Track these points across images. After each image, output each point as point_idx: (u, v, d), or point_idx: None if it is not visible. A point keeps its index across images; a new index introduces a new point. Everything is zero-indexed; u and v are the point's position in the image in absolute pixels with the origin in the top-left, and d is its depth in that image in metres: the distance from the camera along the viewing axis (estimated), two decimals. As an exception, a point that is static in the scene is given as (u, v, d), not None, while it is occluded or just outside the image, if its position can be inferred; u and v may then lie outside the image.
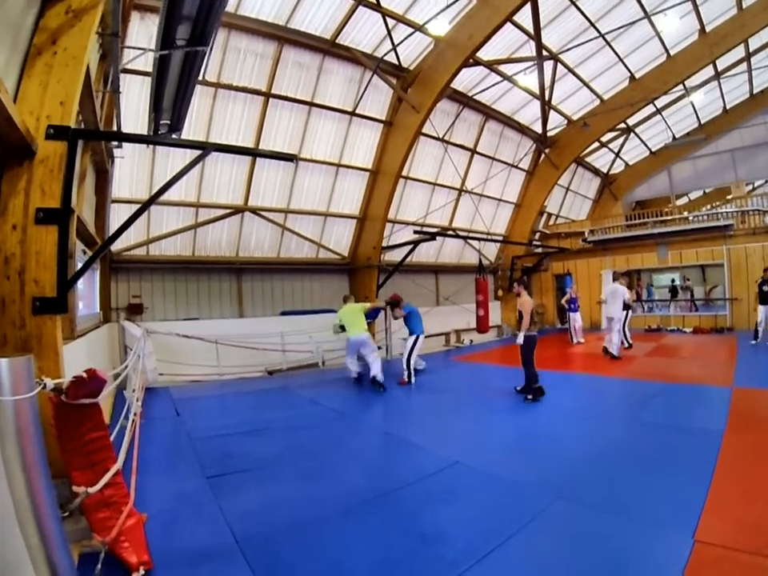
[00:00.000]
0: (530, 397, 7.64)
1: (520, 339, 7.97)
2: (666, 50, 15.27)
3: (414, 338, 10.09)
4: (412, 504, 4.18)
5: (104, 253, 7.17)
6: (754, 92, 19.14)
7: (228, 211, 12.07)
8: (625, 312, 11.90)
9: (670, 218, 18.72)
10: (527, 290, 8.76)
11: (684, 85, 16.14)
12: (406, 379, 9.77)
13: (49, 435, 3.05)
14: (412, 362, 9.91)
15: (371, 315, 12.96)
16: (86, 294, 7.95)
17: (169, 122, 7.68)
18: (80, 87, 4.08)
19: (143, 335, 9.17)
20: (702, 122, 20.76)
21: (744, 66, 16.80)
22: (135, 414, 6.53)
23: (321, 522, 3.86)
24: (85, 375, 3.00)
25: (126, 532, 3.29)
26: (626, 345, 12.47)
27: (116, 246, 10.63)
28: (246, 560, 3.30)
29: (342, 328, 9.53)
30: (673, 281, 23.64)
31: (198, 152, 5.11)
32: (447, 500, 4.20)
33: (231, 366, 10.98)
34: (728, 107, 20.05)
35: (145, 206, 5.31)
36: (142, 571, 3.08)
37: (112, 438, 3.92)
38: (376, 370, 9.18)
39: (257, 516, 4.00)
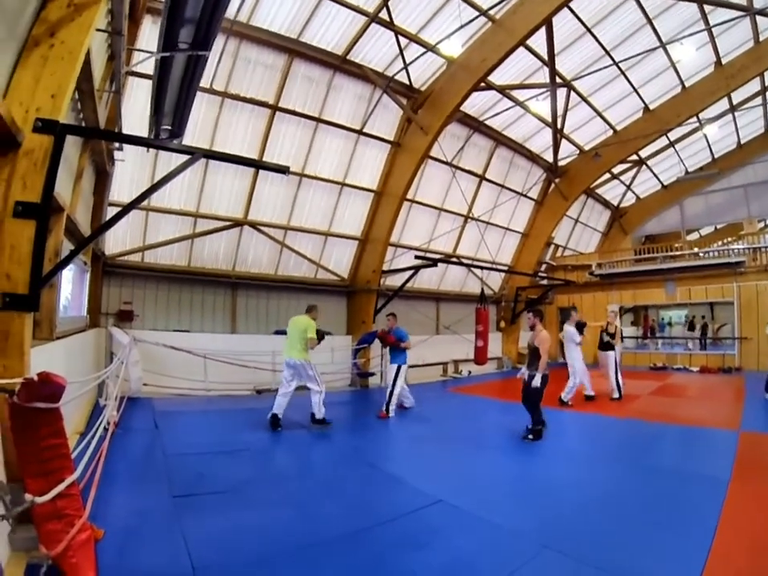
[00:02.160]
0: (530, 437, 7.11)
1: (537, 381, 7.03)
2: (681, 82, 15.13)
3: (395, 367, 9.36)
4: (386, 545, 3.85)
5: (85, 250, 6.95)
6: (770, 127, 18.94)
7: (227, 223, 11.87)
8: (612, 353, 10.60)
9: (679, 253, 18.44)
10: (543, 322, 7.66)
11: (698, 117, 15.99)
12: (386, 413, 9.12)
13: (6, 437, 3.18)
14: (395, 395, 9.24)
15: (367, 339, 12.57)
16: (73, 296, 7.75)
17: (170, 127, 7.51)
18: (73, 82, 4.01)
19: (130, 343, 8.94)
20: (716, 156, 20.54)
21: (759, 99, 16.65)
22: (109, 423, 6.28)
23: (285, 556, 3.60)
24: (36, 378, 2.87)
25: (76, 547, 3.08)
26: (588, 394, 10.67)
27: (111, 250, 10.50)
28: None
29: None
30: (693, 316, 23.22)
31: (202, 160, 4.96)
32: (425, 543, 3.86)
33: (219, 383, 10.66)
34: (742, 142, 19.84)
35: (128, 207, 5.07)
36: (87, 590, 2.90)
37: (81, 447, 3.83)
38: (314, 406, 7.98)
39: (219, 543, 3.76)
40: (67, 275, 7.00)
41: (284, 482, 5.39)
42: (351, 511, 4.56)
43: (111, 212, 9.38)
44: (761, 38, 13.33)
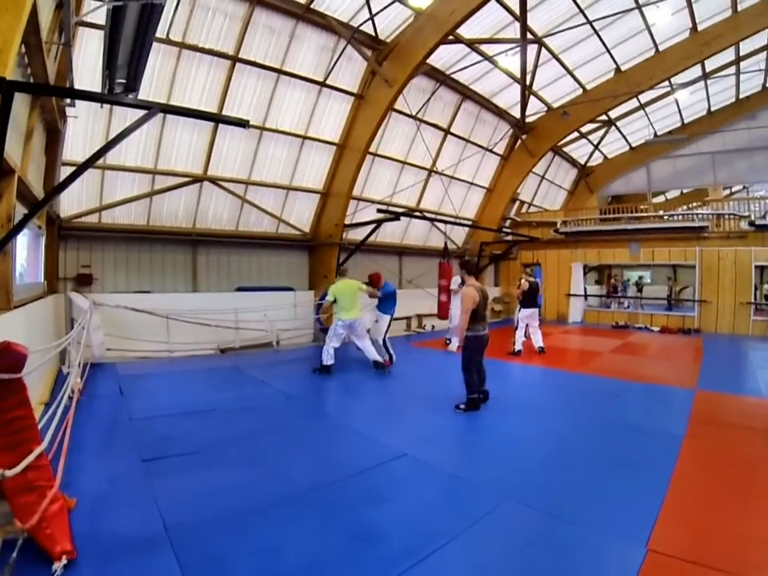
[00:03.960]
0: (462, 406, 6.62)
1: (454, 345, 6.34)
2: (655, 45, 14.92)
3: (388, 318, 10.03)
4: (353, 497, 4.06)
5: (39, 214, 6.69)
6: (740, 96, 19.03)
7: (186, 180, 11.48)
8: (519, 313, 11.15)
9: (644, 215, 18.66)
10: (474, 275, 6.78)
11: (670, 82, 15.91)
12: (390, 361, 9.59)
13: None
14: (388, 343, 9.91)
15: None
16: (29, 262, 7.57)
17: (124, 80, 7.12)
18: (19, 36, 3.82)
19: (90, 308, 8.72)
20: (686, 121, 20.63)
21: (733, 69, 16.63)
22: (74, 391, 6.21)
23: (255, 513, 3.77)
24: (-6, 349, 2.82)
25: (49, 518, 3.15)
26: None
27: (66, 212, 10.09)
28: (173, 551, 3.20)
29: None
30: (640, 277, 24.12)
31: (159, 115, 4.74)
32: (391, 495, 4.10)
33: (182, 343, 10.52)
34: (713, 109, 19.92)
35: (82, 167, 4.90)
36: (64, 560, 2.97)
37: (47, 417, 3.80)
38: (372, 353, 9.22)
39: (190, 503, 3.91)
40: (22, 241, 6.83)
41: (251, 440, 5.48)
42: (318, 466, 4.72)
43: (65, 172, 8.92)
44: (739, 8, 13.17)
